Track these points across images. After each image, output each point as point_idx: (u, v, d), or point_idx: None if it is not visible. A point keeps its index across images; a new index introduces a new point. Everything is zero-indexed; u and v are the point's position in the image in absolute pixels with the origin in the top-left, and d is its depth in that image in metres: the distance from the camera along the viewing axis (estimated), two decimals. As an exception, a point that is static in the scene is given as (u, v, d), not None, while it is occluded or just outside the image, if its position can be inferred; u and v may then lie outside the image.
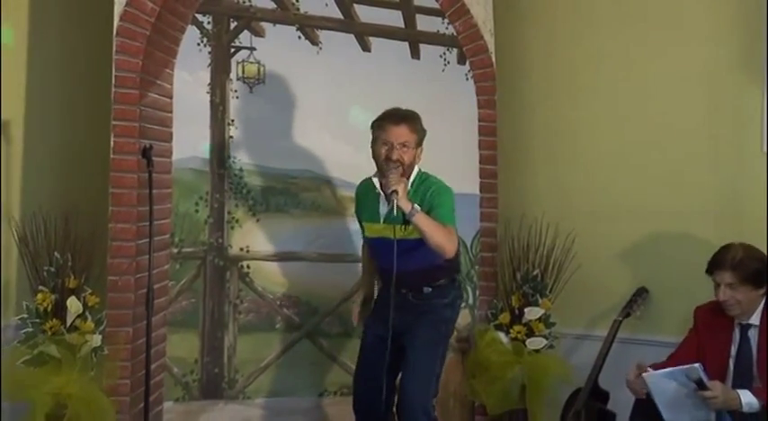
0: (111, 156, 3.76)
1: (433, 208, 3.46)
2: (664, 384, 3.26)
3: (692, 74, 4.08)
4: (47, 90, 4.07)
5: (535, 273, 4.19)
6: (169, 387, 3.99)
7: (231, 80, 4.11)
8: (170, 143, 3.99)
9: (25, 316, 3.62)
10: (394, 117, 3.54)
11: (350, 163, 4.11)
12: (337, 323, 4.22)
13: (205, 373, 4.06)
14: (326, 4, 4.21)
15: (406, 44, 4.33)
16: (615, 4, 4.32)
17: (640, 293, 4.12)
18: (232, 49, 4.12)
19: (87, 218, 3.75)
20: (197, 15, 4.05)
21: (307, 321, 4.20)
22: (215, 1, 4.10)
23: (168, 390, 3.99)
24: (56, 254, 3.67)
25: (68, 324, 3.63)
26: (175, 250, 4.01)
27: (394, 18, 4.30)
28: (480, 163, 4.34)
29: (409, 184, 3.52)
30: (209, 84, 4.09)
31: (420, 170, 3.60)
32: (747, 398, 3.20)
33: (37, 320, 3.61)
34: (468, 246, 4.29)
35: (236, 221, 4.12)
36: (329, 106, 4.21)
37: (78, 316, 3.64)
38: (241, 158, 4.12)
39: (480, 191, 4.33)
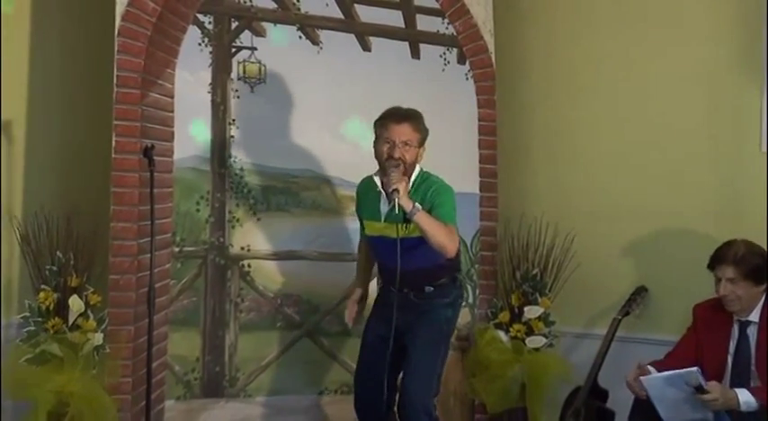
0: (113, 155, 3.77)
1: (435, 207, 3.47)
2: (662, 387, 3.27)
3: (691, 74, 4.09)
4: (49, 90, 4.07)
5: (535, 271, 4.20)
6: (170, 385, 4.00)
7: (232, 80, 4.13)
8: (171, 142, 4.00)
9: (27, 314, 3.63)
10: (397, 115, 3.55)
11: (350, 162, 4.13)
12: (338, 322, 4.22)
13: (206, 372, 4.07)
14: (327, 4, 4.21)
15: (407, 44, 4.34)
16: (615, 4, 4.32)
17: (639, 292, 4.12)
18: (233, 49, 4.13)
19: (89, 217, 3.76)
20: (198, 15, 4.06)
21: (307, 320, 4.22)
22: (216, 1, 4.11)
23: (169, 389, 4.00)
24: (58, 253, 3.68)
25: (70, 322, 3.64)
26: (177, 249, 4.02)
27: (394, 18, 4.31)
28: (480, 162, 4.34)
29: (410, 184, 3.53)
30: (211, 83, 4.10)
31: (421, 169, 3.60)
32: (745, 398, 3.22)
33: (39, 319, 3.62)
34: (469, 244, 4.30)
35: (237, 220, 4.14)
36: (330, 106, 4.22)
37: (80, 314, 3.65)
38: (242, 158, 4.13)
39: (480, 190, 4.33)
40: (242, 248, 4.14)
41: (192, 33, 4.06)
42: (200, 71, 4.08)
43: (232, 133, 4.13)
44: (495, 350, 4.14)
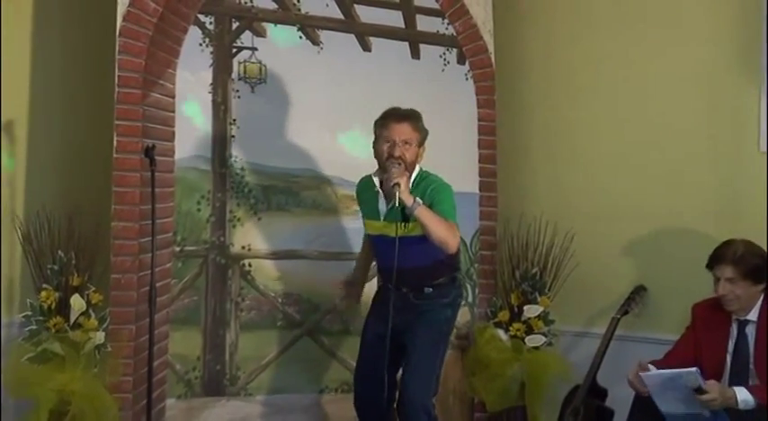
0: (114, 155, 3.78)
1: (435, 204, 3.47)
2: (661, 384, 3.29)
3: (690, 74, 4.10)
4: (50, 90, 4.08)
5: (534, 271, 4.21)
6: (171, 384, 4.02)
7: (233, 80, 4.14)
8: (172, 142, 4.02)
9: (29, 313, 3.64)
10: (396, 115, 3.57)
11: (350, 162, 4.14)
12: (338, 320, 4.25)
13: (207, 370, 4.09)
14: (327, 5, 4.23)
15: (407, 44, 4.35)
16: (614, 4, 4.33)
17: (638, 291, 4.14)
18: (234, 50, 4.15)
19: (90, 216, 3.77)
20: (199, 16, 4.07)
21: (307, 319, 4.23)
22: (217, 1, 4.12)
23: (170, 387, 4.01)
24: (59, 252, 3.69)
25: (72, 321, 3.65)
26: (178, 248, 4.03)
27: (394, 18, 4.32)
28: (480, 162, 4.35)
29: (411, 183, 3.53)
30: (212, 83, 4.12)
31: (421, 169, 3.62)
32: (743, 396, 3.23)
33: (41, 318, 3.63)
34: (468, 244, 4.31)
35: (238, 220, 4.15)
36: (330, 106, 4.23)
37: (82, 313, 3.67)
38: (243, 157, 4.15)
39: (480, 189, 4.34)
40: (243, 248, 4.15)
41: (193, 34, 4.07)
42: (201, 71, 4.10)
43: (233, 133, 4.14)
44: (495, 349, 4.15)
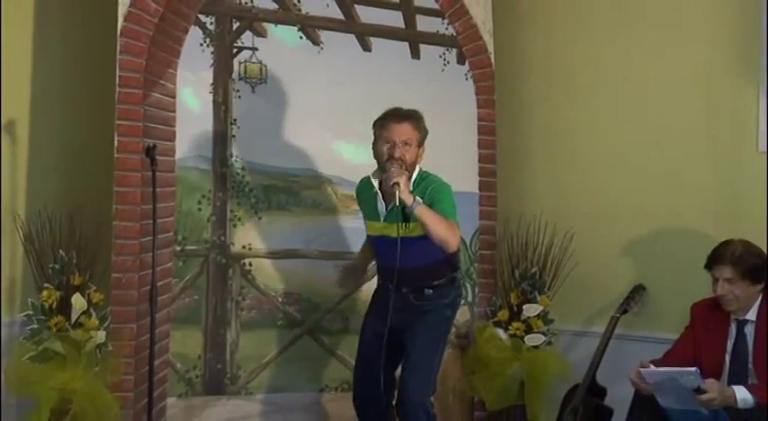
0: (115, 154, 3.79)
1: (435, 203, 3.48)
2: (661, 380, 3.30)
3: (689, 75, 4.11)
4: (51, 90, 4.09)
5: (534, 270, 4.22)
6: (172, 383, 4.02)
7: (233, 80, 4.15)
8: (173, 142, 4.02)
9: (31, 312, 3.65)
10: (396, 115, 3.57)
11: (350, 162, 4.16)
12: (338, 319, 4.26)
13: (208, 369, 4.10)
14: (327, 5, 4.23)
15: (407, 44, 4.36)
16: (614, 5, 4.34)
17: (638, 290, 4.14)
18: (234, 50, 4.15)
19: (92, 216, 3.78)
20: (200, 16, 4.08)
21: (308, 318, 4.24)
22: (218, 2, 4.13)
23: (171, 386, 4.02)
24: (61, 251, 3.70)
25: (73, 320, 3.66)
26: (178, 248, 4.04)
27: (394, 18, 4.32)
28: (479, 161, 4.36)
29: (411, 183, 3.54)
30: (212, 83, 4.12)
31: (421, 169, 3.62)
32: (742, 395, 3.24)
33: (42, 317, 3.65)
34: (468, 243, 4.32)
35: (239, 219, 4.16)
36: (330, 105, 4.23)
37: (83, 312, 3.68)
38: (243, 157, 4.15)
39: (479, 189, 4.35)
40: (243, 247, 4.16)
41: (194, 34, 4.07)
42: (202, 71, 4.11)
43: (233, 133, 4.15)
44: (495, 348, 4.16)
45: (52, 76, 4.10)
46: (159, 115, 3.95)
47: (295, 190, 4.23)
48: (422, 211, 3.40)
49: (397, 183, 3.40)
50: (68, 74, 4.20)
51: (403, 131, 3.54)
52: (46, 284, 3.68)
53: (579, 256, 4.21)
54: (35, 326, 3.64)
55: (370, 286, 3.94)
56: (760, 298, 3.45)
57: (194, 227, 4.08)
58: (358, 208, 3.86)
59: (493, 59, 4.36)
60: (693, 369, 3.24)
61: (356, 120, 3.99)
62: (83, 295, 3.69)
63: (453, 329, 3.94)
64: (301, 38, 4.23)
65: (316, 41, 4.25)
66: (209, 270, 4.12)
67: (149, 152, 3.46)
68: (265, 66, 4.17)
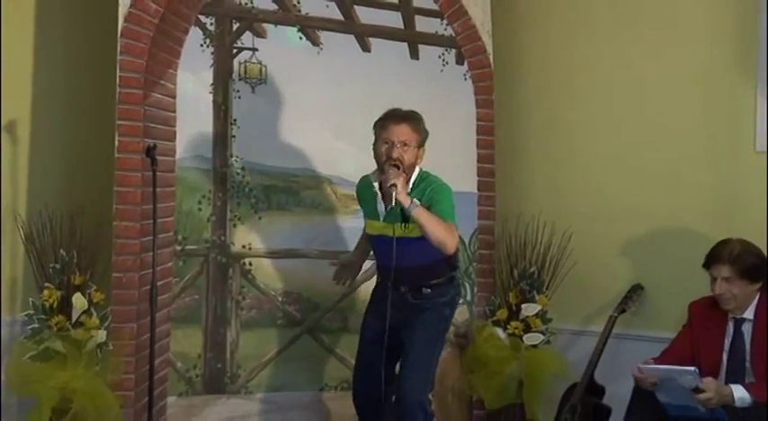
0: (116, 155, 3.79)
1: (433, 204, 3.48)
2: (660, 377, 3.32)
3: (687, 75, 4.11)
4: (52, 90, 4.10)
5: (532, 269, 4.23)
6: (173, 382, 4.03)
7: (233, 80, 4.16)
8: (173, 142, 4.03)
9: (31, 312, 3.66)
10: (396, 116, 3.58)
11: (350, 161, 4.17)
12: (337, 319, 4.27)
13: (208, 368, 4.11)
14: (327, 6, 4.25)
15: (406, 45, 4.37)
16: (612, 5, 4.34)
17: (635, 289, 4.15)
18: (234, 50, 4.17)
19: (92, 216, 3.79)
20: (200, 17, 4.09)
21: (308, 317, 4.25)
22: (218, 2, 4.14)
23: (172, 385, 4.03)
24: (61, 251, 3.71)
25: (74, 320, 3.67)
26: (179, 247, 4.05)
27: (393, 19, 4.34)
28: (478, 161, 4.37)
29: (410, 184, 3.55)
30: (212, 84, 4.14)
31: (421, 170, 3.63)
32: (740, 393, 3.26)
33: (43, 316, 3.66)
34: (467, 243, 4.33)
35: (239, 219, 4.17)
36: (330, 105, 4.24)
37: (83, 312, 3.69)
38: (243, 157, 4.17)
39: (478, 189, 4.36)
40: (243, 247, 4.17)
41: (194, 34, 4.08)
42: (202, 72, 4.12)
43: (233, 133, 4.16)
44: (493, 347, 4.17)
45: (53, 77, 4.11)
46: (159, 115, 3.96)
47: (295, 190, 4.24)
48: (419, 213, 3.40)
49: (395, 185, 3.40)
50: (69, 74, 4.21)
51: (401, 132, 3.55)
52: (47, 284, 3.69)
53: (577, 256, 4.22)
54: (36, 325, 3.66)
55: (369, 285, 3.95)
56: (757, 297, 3.46)
57: (194, 226, 4.09)
58: (357, 208, 3.88)
59: (491, 60, 4.37)
60: (692, 369, 3.25)
61: (356, 120, 4.01)
62: (83, 294, 3.70)
63: (452, 328, 3.95)
64: (301, 38, 4.25)
65: (315, 42, 4.26)
66: (209, 269, 4.13)
67: (150, 152, 3.47)
68: (265, 66, 4.18)
